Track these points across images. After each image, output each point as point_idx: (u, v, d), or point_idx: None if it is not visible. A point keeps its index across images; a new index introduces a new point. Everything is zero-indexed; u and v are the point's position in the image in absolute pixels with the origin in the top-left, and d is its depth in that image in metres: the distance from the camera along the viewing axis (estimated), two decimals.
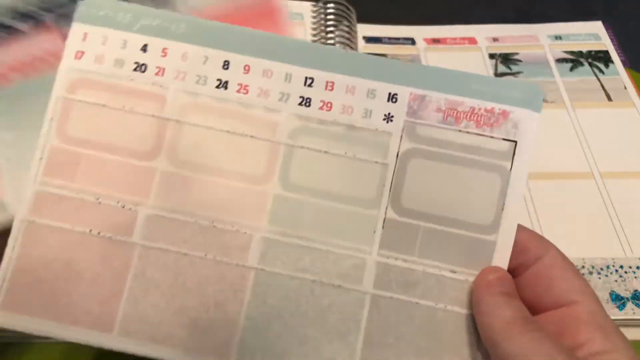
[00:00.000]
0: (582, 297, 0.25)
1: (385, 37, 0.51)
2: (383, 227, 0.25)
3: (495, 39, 0.51)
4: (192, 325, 0.25)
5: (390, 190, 0.25)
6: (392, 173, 0.25)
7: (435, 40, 0.52)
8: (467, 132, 0.25)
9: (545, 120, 0.45)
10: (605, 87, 0.47)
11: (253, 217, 0.25)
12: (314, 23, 0.50)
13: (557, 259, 0.26)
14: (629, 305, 0.34)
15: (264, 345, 0.24)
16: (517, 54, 0.50)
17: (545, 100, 0.46)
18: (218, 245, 0.25)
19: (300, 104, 0.25)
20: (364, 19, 0.51)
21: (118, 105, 0.26)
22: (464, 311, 0.25)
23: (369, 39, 0.51)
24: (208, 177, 0.25)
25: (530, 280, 0.26)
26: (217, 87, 0.26)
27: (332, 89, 0.25)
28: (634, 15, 0.55)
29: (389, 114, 0.25)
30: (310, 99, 0.26)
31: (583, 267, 0.36)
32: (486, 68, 0.49)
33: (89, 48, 0.26)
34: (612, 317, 0.34)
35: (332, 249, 0.25)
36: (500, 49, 0.51)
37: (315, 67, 0.26)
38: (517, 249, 0.25)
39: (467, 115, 0.25)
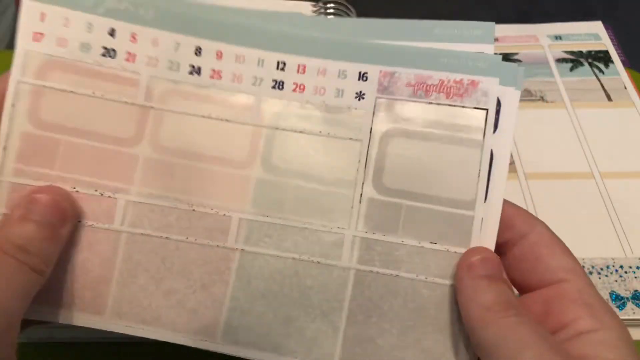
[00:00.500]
0: (570, 274, 0.24)
1: None
2: (365, 206, 0.25)
3: (495, 39, 0.51)
4: (179, 307, 0.25)
5: (366, 168, 0.25)
6: (367, 149, 0.25)
7: None
8: (438, 104, 0.25)
9: (545, 120, 0.45)
10: (605, 87, 0.47)
11: (236, 200, 0.25)
12: None
13: (545, 236, 0.25)
14: (629, 305, 0.34)
15: (248, 324, 0.25)
16: (517, 54, 0.50)
17: (545, 100, 0.46)
18: (202, 228, 0.25)
19: (273, 87, 0.26)
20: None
21: (90, 91, 0.25)
22: (447, 286, 0.25)
23: None
24: (191, 162, 0.25)
25: (516, 258, 0.25)
26: (190, 73, 0.25)
27: (304, 72, 0.26)
28: (634, 15, 0.55)
29: (360, 91, 0.25)
30: (283, 82, 0.26)
31: (583, 267, 0.36)
32: None
33: (49, 29, 0.25)
34: None
35: (315, 229, 0.25)
36: (500, 49, 0.51)
37: (286, 52, 0.26)
38: (503, 225, 0.25)
39: (436, 87, 0.25)
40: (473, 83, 0.25)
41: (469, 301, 0.23)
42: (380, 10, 0.52)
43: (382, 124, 0.25)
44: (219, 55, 0.26)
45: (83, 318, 0.25)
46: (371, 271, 0.25)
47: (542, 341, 0.21)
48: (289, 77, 0.26)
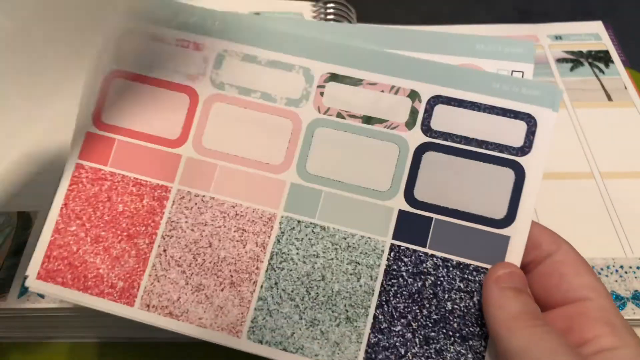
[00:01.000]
0: (593, 293, 0.24)
1: None
2: (396, 218, 0.25)
3: None
4: (207, 303, 0.26)
5: (405, 183, 0.26)
6: (407, 166, 0.26)
7: None
8: (479, 119, 0.26)
9: None
10: (606, 87, 0.47)
11: (270, 203, 0.26)
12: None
13: (569, 255, 0.26)
14: (629, 305, 0.34)
15: (273, 325, 0.25)
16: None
17: None
18: (235, 228, 0.26)
19: (319, 94, 0.27)
20: (364, 19, 0.51)
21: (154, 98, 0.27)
22: (473, 303, 0.25)
23: None
24: (229, 164, 0.27)
25: (541, 276, 0.26)
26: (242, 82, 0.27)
27: (357, 86, 0.27)
28: (634, 15, 0.55)
29: (408, 108, 0.26)
30: (328, 91, 0.27)
31: None
32: None
33: None
34: None
35: (345, 237, 0.26)
36: None
37: (341, 64, 0.27)
38: (530, 245, 0.26)
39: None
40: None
41: (497, 310, 0.24)
42: (380, 10, 0.52)
43: (423, 141, 0.26)
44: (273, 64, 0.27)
45: (113, 307, 0.26)
46: (398, 281, 0.25)
47: (569, 351, 0.22)
48: (337, 87, 0.27)
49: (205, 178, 0.27)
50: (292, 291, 0.26)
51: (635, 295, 0.35)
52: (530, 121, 0.26)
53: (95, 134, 0.27)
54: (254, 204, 0.26)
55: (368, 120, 0.26)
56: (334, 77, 0.27)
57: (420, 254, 0.25)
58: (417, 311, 0.25)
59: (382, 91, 0.26)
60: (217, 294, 0.26)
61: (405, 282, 0.25)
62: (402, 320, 0.25)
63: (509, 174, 0.25)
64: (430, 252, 0.25)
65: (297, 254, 0.26)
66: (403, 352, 0.25)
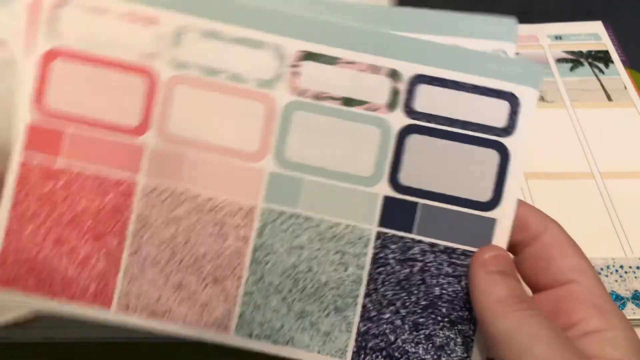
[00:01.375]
0: (581, 275, 0.24)
1: None
2: (382, 205, 0.25)
3: None
4: (190, 301, 0.25)
5: (389, 167, 0.25)
6: (390, 150, 0.25)
7: None
8: (460, 101, 0.25)
9: (545, 120, 0.45)
10: (605, 87, 0.47)
11: (249, 194, 0.25)
12: None
13: (558, 236, 0.25)
14: (629, 305, 0.34)
15: (262, 319, 0.25)
16: (517, 53, 0.50)
17: (545, 100, 0.46)
18: (214, 222, 0.25)
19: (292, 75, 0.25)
20: None
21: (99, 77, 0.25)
22: (461, 288, 0.25)
23: None
24: (200, 153, 0.25)
25: (529, 258, 0.25)
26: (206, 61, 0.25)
27: (332, 64, 0.25)
28: (634, 15, 0.55)
29: (389, 87, 0.25)
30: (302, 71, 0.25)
31: None
32: None
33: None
34: None
35: (330, 226, 0.25)
36: None
37: (315, 41, 0.25)
38: (517, 226, 0.25)
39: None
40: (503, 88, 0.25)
41: (483, 294, 0.23)
42: None
43: (406, 123, 0.25)
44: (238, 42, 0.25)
45: (88, 312, 0.25)
46: (385, 269, 0.25)
47: (554, 335, 0.22)
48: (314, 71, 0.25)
49: (174, 169, 0.25)
50: (278, 284, 0.25)
51: (635, 295, 0.34)
52: (513, 100, 0.25)
53: (38, 124, 0.25)
54: (231, 196, 0.25)
55: (348, 102, 0.25)
56: (308, 56, 0.25)
57: (407, 240, 0.25)
58: (406, 298, 0.25)
59: (361, 70, 0.25)
60: (200, 291, 0.25)
61: (392, 270, 0.25)
62: (391, 308, 0.25)
63: (493, 156, 0.25)
64: (417, 237, 0.25)
65: (282, 246, 0.25)
66: (393, 339, 0.25)
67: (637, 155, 0.42)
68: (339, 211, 0.25)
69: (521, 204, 0.25)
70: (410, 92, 0.25)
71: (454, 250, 0.25)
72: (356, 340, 0.25)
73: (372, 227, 0.25)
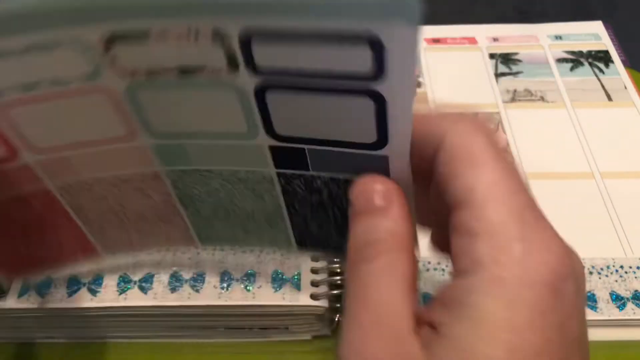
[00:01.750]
0: (470, 196, 0.18)
1: None
2: (270, 152, 0.23)
3: (495, 39, 0.51)
4: (155, 235, 0.28)
5: (261, 123, 0.22)
6: (255, 109, 0.21)
7: (435, 40, 0.52)
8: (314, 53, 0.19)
9: (545, 120, 0.45)
10: (606, 87, 0.47)
11: (145, 165, 0.25)
12: None
13: (456, 146, 0.19)
14: (629, 305, 0.34)
15: (218, 235, 0.28)
16: (517, 53, 0.50)
17: (545, 100, 0.46)
18: (133, 189, 0.26)
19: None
20: None
21: None
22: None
23: None
24: (79, 151, 0.24)
25: (434, 185, 0.20)
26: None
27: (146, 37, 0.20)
28: (634, 15, 0.55)
29: (225, 54, 0.20)
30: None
31: (583, 266, 0.36)
32: (486, 68, 0.49)
33: None
34: (612, 317, 0.34)
35: (231, 172, 0.25)
36: (500, 48, 0.51)
37: (113, 19, 0.19)
38: (418, 149, 0.20)
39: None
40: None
41: (350, 238, 0.20)
42: None
43: (250, 81, 0.21)
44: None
45: (86, 264, 0.30)
46: (297, 197, 0.26)
47: (391, 311, 0.18)
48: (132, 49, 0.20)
49: (67, 169, 0.25)
50: (215, 215, 0.27)
51: (635, 295, 0.35)
52: (374, 44, 0.18)
53: None
54: (132, 170, 0.25)
55: (183, 70, 0.20)
56: (114, 38, 0.19)
57: (307, 176, 0.24)
58: (324, 216, 0.26)
59: (179, 39, 0.19)
60: (158, 229, 0.28)
61: (304, 196, 0.26)
62: (314, 222, 0.26)
63: (367, 103, 0.20)
64: (315, 174, 0.24)
65: (199, 191, 0.26)
66: (325, 242, 0.27)
67: (637, 155, 0.42)
68: (233, 162, 0.25)
69: (420, 120, 0.20)
70: (245, 52, 0.19)
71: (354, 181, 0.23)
72: (295, 237, 0.28)
73: (271, 170, 0.25)
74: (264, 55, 0.19)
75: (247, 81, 0.20)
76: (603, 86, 0.47)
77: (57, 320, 0.34)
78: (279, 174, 0.25)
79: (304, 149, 0.23)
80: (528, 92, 0.47)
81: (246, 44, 0.19)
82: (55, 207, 0.26)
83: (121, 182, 0.26)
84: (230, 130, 0.23)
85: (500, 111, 0.45)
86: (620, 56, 0.49)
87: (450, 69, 0.49)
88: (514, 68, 0.49)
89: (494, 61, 0.49)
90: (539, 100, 0.46)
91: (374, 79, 0.19)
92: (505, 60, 0.49)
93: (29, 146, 0.23)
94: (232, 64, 0.20)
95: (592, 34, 0.51)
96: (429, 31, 0.52)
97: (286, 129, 0.22)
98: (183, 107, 0.22)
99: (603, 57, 0.49)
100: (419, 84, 0.48)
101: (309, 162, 0.24)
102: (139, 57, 0.20)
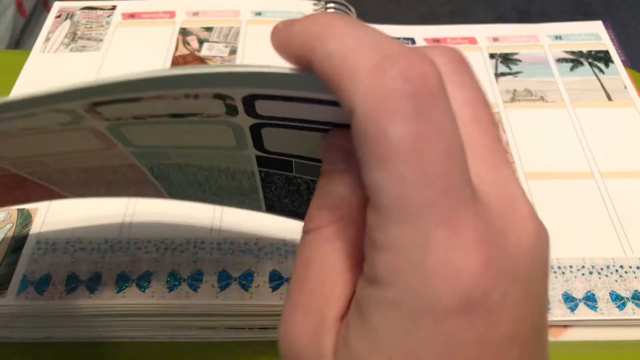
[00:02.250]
0: (379, 197, 0.14)
1: None
2: (256, 160, 0.24)
3: (495, 39, 0.51)
4: (122, 188, 0.29)
5: (251, 142, 0.22)
6: (247, 136, 0.22)
7: (436, 40, 0.51)
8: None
9: (545, 120, 0.45)
10: (606, 87, 0.47)
11: (122, 160, 0.25)
12: None
13: (367, 127, 0.14)
14: (629, 305, 0.34)
15: (189, 196, 0.29)
16: (517, 53, 0.50)
17: (545, 100, 0.46)
18: (110, 170, 0.26)
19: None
20: (364, 19, 0.51)
21: None
22: None
23: None
24: (53, 157, 0.24)
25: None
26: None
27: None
28: (634, 15, 0.55)
29: (225, 105, 0.20)
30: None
31: (583, 266, 0.36)
32: (486, 68, 0.49)
33: None
34: (612, 317, 0.34)
35: (211, 166, 0.25)
36: (500, 48, 0.51)
37: (103, 95, 0.19)
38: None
39: None
40: None
41: None
42: (380, 10, 0.52)
43: (247, 120, 0.21)
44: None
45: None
46: (275, 185, 0.26)
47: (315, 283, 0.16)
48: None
49: (40, 166, 0.25)
50: (189, 185, 0.28)
51: (635, 295, 0.34)
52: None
53: None
54: (107, 163, 0.25)
55: (176, 115, 0.20)
56: (99, 104, 0.19)
57: (290, 176, 0.25)
58: (298, 196, 0.26)
59: (176, 99, 0.19)
60: (127, 188, 0.28)
61: (282, 185, 0.26)
62: (287, 199, 0.27)
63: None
64: (297, 175, 0.25)
65: (176, 174, 0.27)
66: (295, 210, 0.28)
67: (637, 155, 0.42)
68: (214, 162, 0.25)
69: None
70: (247, 105, 0.20)
71: None
72: (265, 202, 0.28)
73: (253, 168, 0.25)
74: (265, 106, 0.20)
75: (245, 120, 0.21)
76: (603, 86, 0.47)
77: (55, 318, 0.34)
78: (260, 171, 0.25)
79: (290, 162, 0.24)
80: (528, 92, 0.47)
81: (249, 101, 0.19)
82: (23, 181, 0.27)
83: (95, 167, 0.26)
84: (218, 144, 0.23)
85: (500, 111, 0.45)
86: (620, 56, 0.49)
87: None
88: (514, 68, 0.49)
89: (494, 61, 0.49)
90: (539, 100, 0.46)
91: None
92: (505, 60, 0.49)
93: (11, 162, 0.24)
94: (231, 112, 0.20)
95: (592, 34, 0.51)
96: (429, 31, 0.52)
97: (276, 147, 0.23)
98: (169, 133, 0.22)
99: (603, 57, 0.49)
100: None
101: (293, 168, 0.24)
102: (127, 110, 0.20)
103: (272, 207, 0.29)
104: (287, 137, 0.22)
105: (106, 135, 0.22)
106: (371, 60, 0.14)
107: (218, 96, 0.19)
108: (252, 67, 0.17)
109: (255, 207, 0.29)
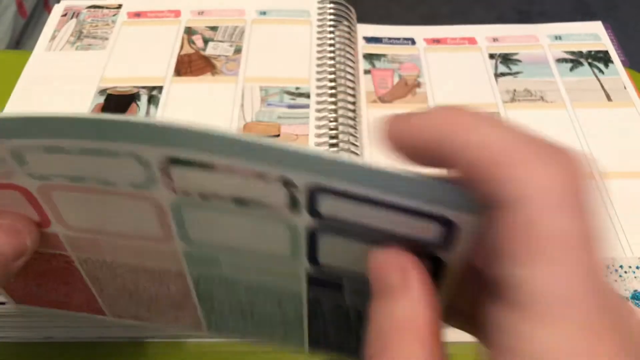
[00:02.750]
0: (532, 299, 0.14)
1: (385, 37, 0.51)
2: (306, 278, 0.23)
3: (495, 39, 0.51)
4: (164, 316, 0.28)
5: (304, 249, 0.22)
6: (303, 245, 0.22)
7: (436, 40, 0.51)
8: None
9: (545, 120, 0.45)
10: (605, 87, 0.47)
11: (172, 264, 0.25)
12: (319, 20, 0.50)
13: (521, 218, 0.15)
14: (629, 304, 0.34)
15: (228, 327, 0.28)
16: (517, 54, 0.50)
17: (545, 100, 0.46)
18: (152, 278, 0.26)
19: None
20: (364, 19, 0.51)
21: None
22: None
23: (369, 39, 0.51)
24: (111, 238, 0.24)
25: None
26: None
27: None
28: (634, 15, 0.55)
29: (289, 195, 0.20)
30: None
31: None
32: (486, 68, 0.49)
33: None
34: None
35: (259, 281, 0.24)
36: (500, 49, 0.51)
37: (179, 146, 0.19)
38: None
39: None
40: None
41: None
42: (380, 10, 0.52)
43: (308, 221, 0.20)
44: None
45: (92, 316, 0.29)
46: (321, 303, 0.24)
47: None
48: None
49: (93, 248, 0.25)
50: (230, 313, 0.26)
51: (635, 295, 0.34)
52: (447, 223, 0.19)
53: None
54: (156, 264, 0.25)
55: (239, 202, 0.20)
56: (175, 161, 0.20)
57: (340, 301, 0.24)
58: (344, 321, 0.25)
59: (245, 177, 0.19)
60: (167, 312, 0.28)
61: (330, 311, 0.24)
62: (332, 325, 0.25)
63: (426, 264, 0.20)
64: (348, 299, 0.24)
65: (221, 294, 0.26)
66: (341, 345, 0.26)
67: (637, 155, 0.42)
68: (265, 276, 0.24)
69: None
70: (312, 199, 0.20)
71: None
72: (309, 342, 0.27)
73: (301, 289, 0.24)
74: (329, 205, 0.19)
75: (305, 221, 0.20)
76: (603, 86, 0.47)
77: (55, 318, 0.34)
78: (309, 290, 0.24)
79: (341, 280, 0.23)
80: (528, 92, 0.47)
81: (313, 195, 0.19)
82: (72, 270, 0.27)
83: (143, 271, 0.25)
84: (272, 250, 0.22)
85: (500, 111, 0.45)
86: (619, 56, 0.49)
87: (450, 69, 0.49)
88: (514, 68, 0.49)
89: (493, 61, 0.49)
90: (538, 100, 0.46)
91: (442, 248, 0.20)
92: (505, 61, 0.49)
93: (60, 220, 0.24)
94: (294, 205, 0.20)
95: (592, 34, 0.51)
96: (429, 31, 0.52)
97: (329, 259, 0.22)
98: (227, 227, 0.22)
99: (603, 57, 0.49)
100: (418, 84, 0.47)
101: (344, 288, 0.23)
102: (196, 181, 0.20)
103: (317, 343, 0.26)
104: (342, 249, 0.21)
105: (167, 217, 0.22)
106: (534, 151, 0.15)
107: (285, 182, 0.19)
108: (345, 157, 0.18)
109: (298, 344, 0.27)
